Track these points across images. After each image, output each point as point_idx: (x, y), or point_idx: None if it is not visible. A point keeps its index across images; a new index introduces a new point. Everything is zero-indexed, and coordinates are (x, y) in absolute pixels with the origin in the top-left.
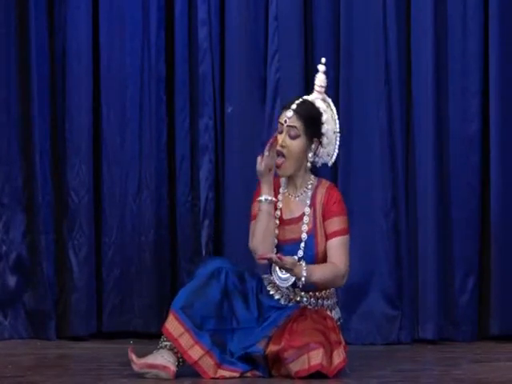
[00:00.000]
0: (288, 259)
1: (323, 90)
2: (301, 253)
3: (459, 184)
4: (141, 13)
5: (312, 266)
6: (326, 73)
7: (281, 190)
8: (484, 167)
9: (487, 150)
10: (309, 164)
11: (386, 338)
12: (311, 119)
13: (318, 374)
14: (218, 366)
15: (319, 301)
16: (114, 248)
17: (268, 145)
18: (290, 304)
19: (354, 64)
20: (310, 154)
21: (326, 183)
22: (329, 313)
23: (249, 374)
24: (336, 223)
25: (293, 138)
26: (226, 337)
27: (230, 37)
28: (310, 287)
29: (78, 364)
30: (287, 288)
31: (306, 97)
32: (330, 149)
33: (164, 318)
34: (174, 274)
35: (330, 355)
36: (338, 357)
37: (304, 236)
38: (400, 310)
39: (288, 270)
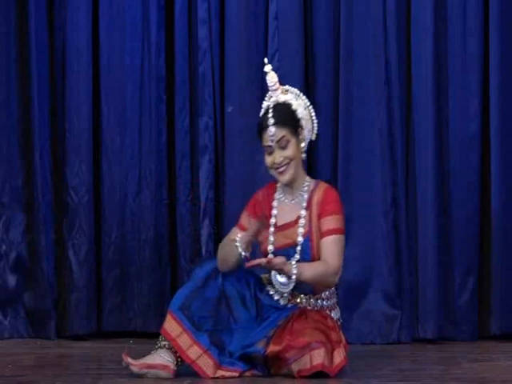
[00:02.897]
0: (277, 259)
1: (277, 85)
2: (297, 256)
3: (459, 183)
4: (141, 13)
5: (302, 264)
6: (272, 69)
7: (276, 196)
8: (484, 167)
9: (487, 150)
10: (304, 155)
11: (386, 337)
12: (284, 116)
13: (319, 373)
14: (218, 366)
15: (319, 301)
16: (113, 247)
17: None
18: (289, 305)
19: (354, 64)
20: (302, 145)
21: (323, 185)
22: (328, 313)
23: (248, 374)
24: (331, 222)
25: (284, 147)
26: (225, 337)
27: (229, 36)
28: (308, 290)
29: (78, 364)
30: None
31: (266, 103)
32: (308, 124)
33: (164, 318)
34: (174, 273)
35: (331, 354)
36: (339, 356)
37: (300, 239)
38: (400, 309)
39: (279, 270)
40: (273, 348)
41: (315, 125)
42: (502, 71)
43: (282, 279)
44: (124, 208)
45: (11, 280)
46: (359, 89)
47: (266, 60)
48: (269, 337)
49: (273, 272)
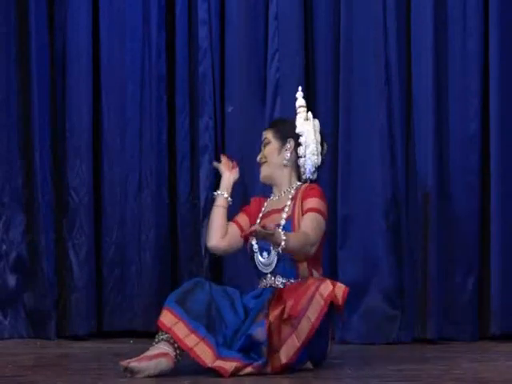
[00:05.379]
0: (270, 225)
1: (300, 110)
2: None
3: (459, 184)
4: (141, 13)
5: (289, 233)
6: (303, 96)
7: (267, 200)
8: (484, 167)
9: (487, 150)
10: (285, 162)
11: (387, 337)
12: (280, 125)
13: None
14: (216, 356)
15: None
16: (114, 247)
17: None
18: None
19: (354, 64)
20: (287, 154)
21: (310, 184)
22: None
23: (249, 369)
24: (313, 202)
25: (265, 146)
26: (218, 338)
27: (229, 37)
28: (290, 274)
29: (78, 364)
30: (267, 276)
31: None
32: (313, 147)
33: None
34: (174, 273)
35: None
36: (340, 289)
37: (283, 222)
38: (400, 309)
39: (269, 238)
40: (274, 312)
41: (325, 148)
42: (502, 71)
43: (263, 259)
44: (124, 208)
45: (11, 280)
46: (359, 89)
47: (299, 88)
48: (265, 312)
49: (255, 255)
